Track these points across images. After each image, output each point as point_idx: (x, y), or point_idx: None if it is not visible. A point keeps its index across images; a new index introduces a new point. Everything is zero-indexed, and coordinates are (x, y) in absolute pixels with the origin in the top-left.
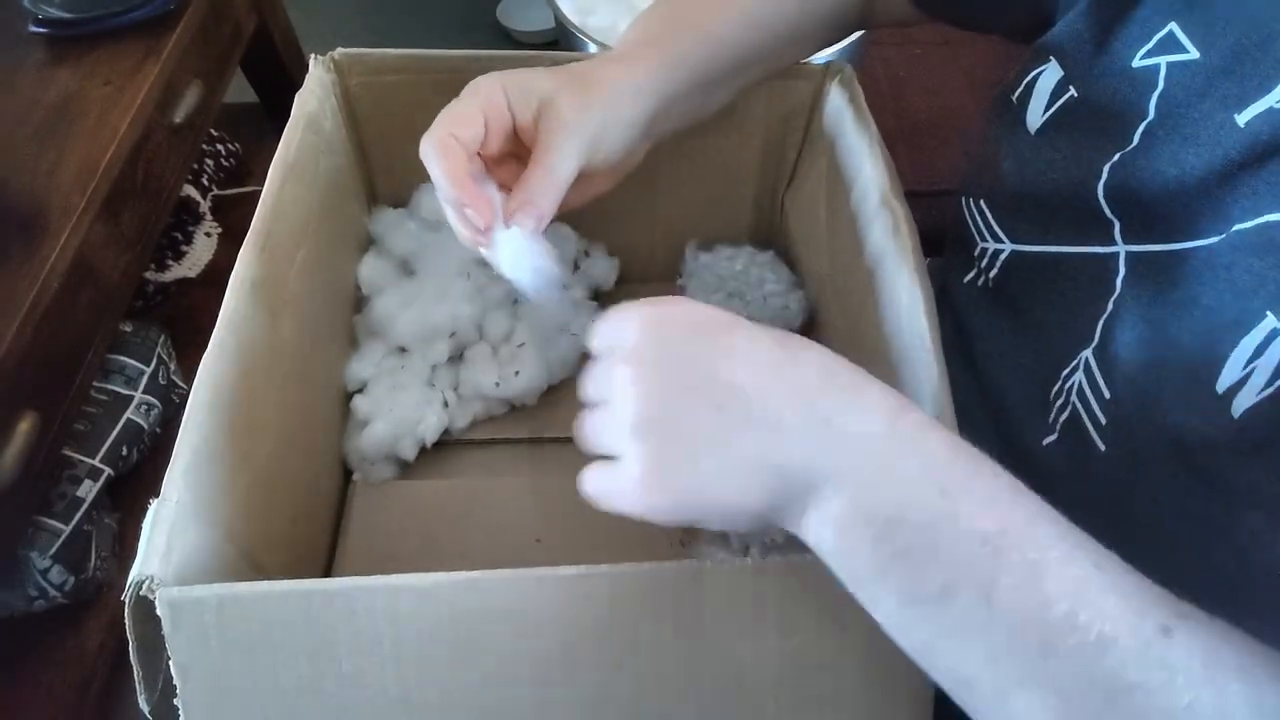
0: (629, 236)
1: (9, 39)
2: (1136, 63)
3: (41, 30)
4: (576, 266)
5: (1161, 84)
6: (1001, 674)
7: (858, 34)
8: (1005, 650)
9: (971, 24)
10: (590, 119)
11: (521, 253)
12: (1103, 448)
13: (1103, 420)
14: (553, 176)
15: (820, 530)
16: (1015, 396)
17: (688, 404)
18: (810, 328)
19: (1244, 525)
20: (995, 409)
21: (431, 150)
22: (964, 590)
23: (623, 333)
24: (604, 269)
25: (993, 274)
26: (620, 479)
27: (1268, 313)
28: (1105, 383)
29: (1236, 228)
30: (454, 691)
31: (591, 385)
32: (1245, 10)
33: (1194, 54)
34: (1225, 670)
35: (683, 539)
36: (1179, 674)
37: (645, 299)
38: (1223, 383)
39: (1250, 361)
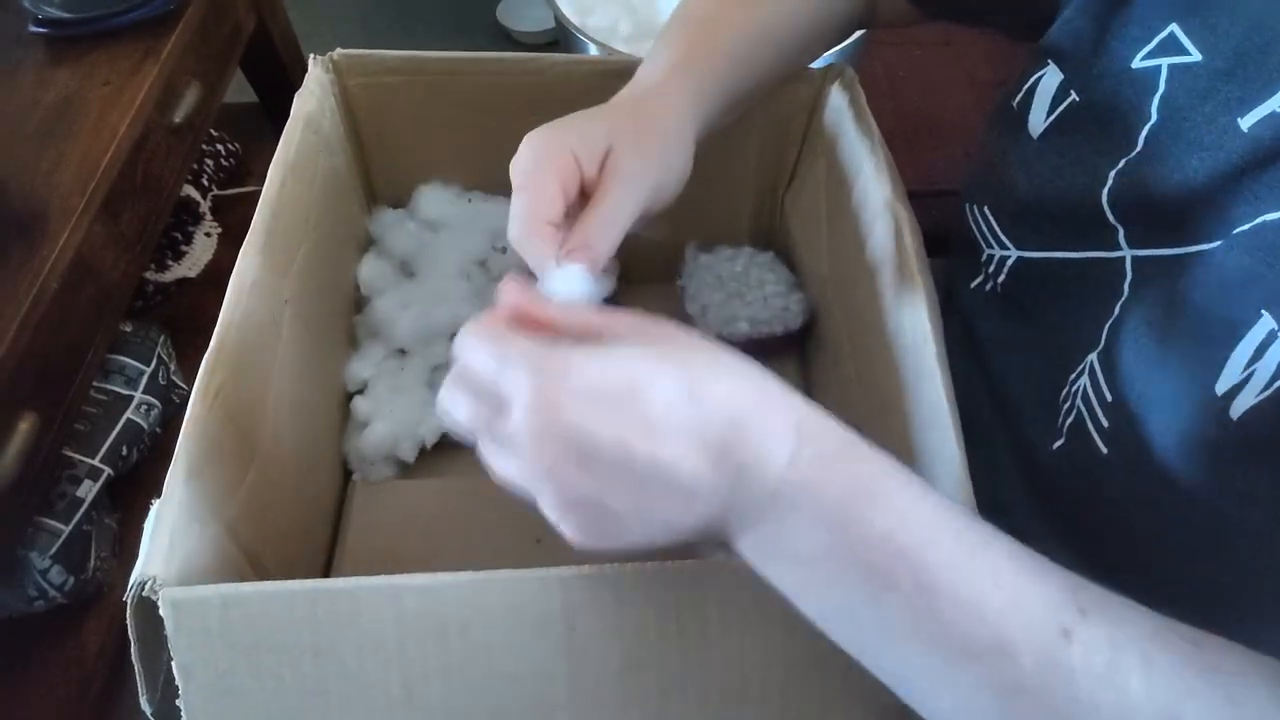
0: (629, 237)
1: (9, 39)
2: (1136, 64)
3: (41, 30)
4: None
5: (1163, 86)
6: (912, 680)
7: (858, 34)
8: (912, 665)
9: (969, 18)
10: (650, 171)
11: (573, 293)
12: (1105, 451)
13: (1105, 424)
14: (611, 224)
15: (739, 552)
16: (1026, 401)
17: (607, 485)
18: (811, 328)
19: (1245, 527)
20: (1006, 413)
21: (528, 242)
22: (861, 614)
23: (515, 414)
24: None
25: (1000, 280)
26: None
27: (1263, 312)
28: (1107, 386)
29: (1236, 230)
30: (456, 691)
31: (496, 455)
32: (1248, 13)
33: (1196, 56)
34: (1127, 668)
35: None
36: (1078, 676)
37: (523, 358)
38: (1222, 385)
39: (1250, 363)
